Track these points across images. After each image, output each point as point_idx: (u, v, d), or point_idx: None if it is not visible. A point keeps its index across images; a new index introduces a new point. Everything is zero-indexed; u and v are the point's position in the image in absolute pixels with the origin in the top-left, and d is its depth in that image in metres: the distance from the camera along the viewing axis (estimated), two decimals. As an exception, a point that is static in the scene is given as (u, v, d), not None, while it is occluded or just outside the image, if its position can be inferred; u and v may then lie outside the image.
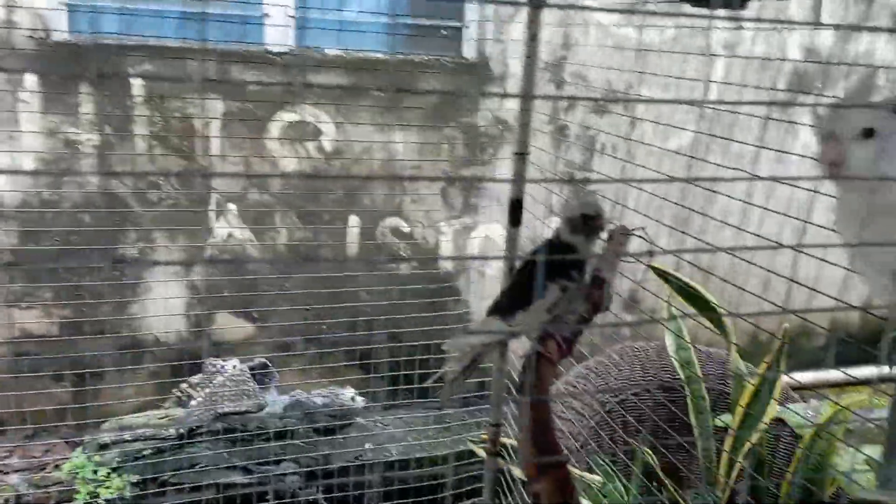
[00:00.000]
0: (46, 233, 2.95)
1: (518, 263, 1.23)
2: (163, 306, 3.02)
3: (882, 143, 0.83)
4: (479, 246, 3.41)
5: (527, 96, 1.07)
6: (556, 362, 1.19)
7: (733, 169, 1.46)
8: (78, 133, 2.88)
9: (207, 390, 3.12)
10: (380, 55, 3.04)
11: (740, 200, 1.47)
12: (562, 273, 1.18)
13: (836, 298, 1.28)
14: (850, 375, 1.26)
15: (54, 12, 2.80)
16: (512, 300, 1.20)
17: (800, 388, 3.58)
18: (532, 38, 2.03)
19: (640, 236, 1.24)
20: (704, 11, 1.59)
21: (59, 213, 2.95)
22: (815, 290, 1.37)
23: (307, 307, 3.28)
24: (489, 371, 1.29)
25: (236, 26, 2.62)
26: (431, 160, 3.20)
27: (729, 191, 2.14)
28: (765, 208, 1.57)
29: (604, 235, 1.22)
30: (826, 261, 1.06)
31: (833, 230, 0.93)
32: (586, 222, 1.20)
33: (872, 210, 0.81)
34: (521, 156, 1.99)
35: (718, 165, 1.65)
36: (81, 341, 3.04)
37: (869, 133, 0.85)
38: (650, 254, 1.31)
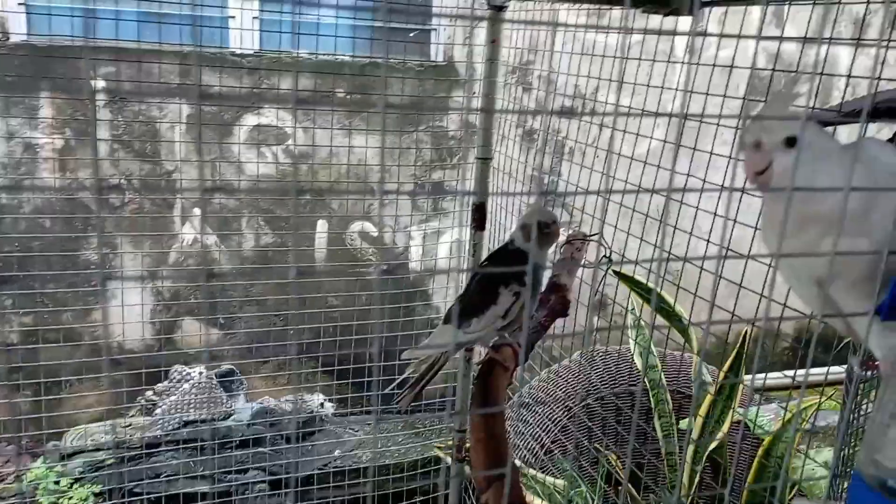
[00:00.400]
0: (6, 239, 2.89)
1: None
2: (127, 313, 2.96)
3: (803, 151, 0.81)
4: (448, 250, 3.40)
5: (489, 110, 1.06)
6: (512, 370, 1.17)
7: (689, 176, 1.47)
8: (37, 137, 2.82)
9: (173, 398, 3.08)
10: (346, 58, 3.02)
11: (709, 211, 1.47)
12: (515, 279, 1.17)
13: (787, 306, 1.28)
14: (790, 377, 1.26)
15: (12, 14, 2.74)
16: (466, 307, 1.20)
17: (764, 389, 3.61)
18: (492, 41, 2.03)
19: (597, 241, 1.24)
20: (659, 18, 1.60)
21: (17, 218, 2.89)
22: (761, 295, 1.38)
23: (275, 313, 3.25)
24: (455, 377, 1.29)
25: (201, 28, 2.58)
26: (397, 165, 3.18)
27: (696, 196, 2.13)
28: (720, 215, 1.57)
29: (561, 241, 1.22)
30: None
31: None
32: (541, 230, 1.19)
33: (796, 220, 0.80)
34: (485, 161, 1.99)
35: (686, 174, 1.65)
36: (43, 349, 2.97)
37: (791, 142, 0.83)
38: (609, 259, 1.31)
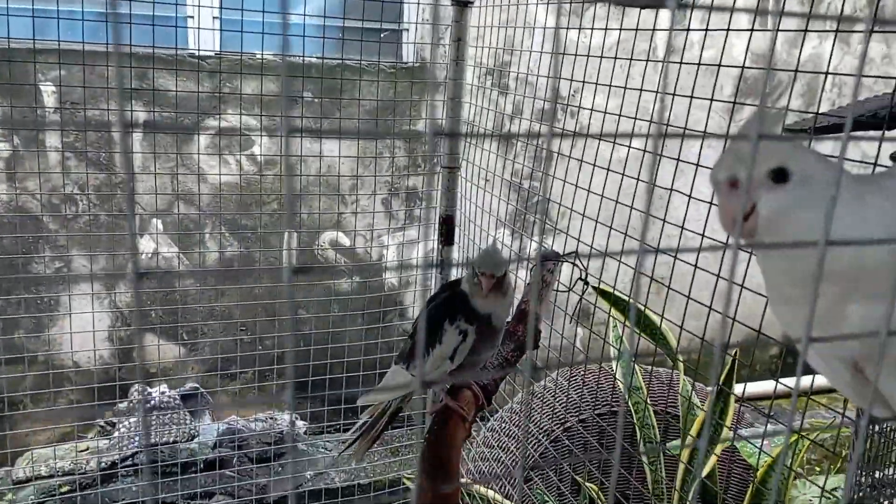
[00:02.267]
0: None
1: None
2: (83, 328, 2.79)
3: (799, 186, 0.60)
4: (423, 258, 3.26)
5: (448, 133, 0.93)
6: (471, 416, 1.03)
7: (669, 189, 1.35)
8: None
9: (133, 419, 2.91)
10: (313, 59, 2.87)
11: (682, 227, 1.35)
12: (463, 315, 1.04)
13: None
14: (787, 386, 1.13)
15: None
16: (413, 347, 1.06)
17: (752, 399, 3.50)
18: (457, 40, 1.89)
19: (572, 262, 1.10)
20: (646, 13, 1.47)
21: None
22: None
23: (242, 327, 3.09)
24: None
25: (158, 29, 2.42)
26: (371, 166, 3.04)
27: (680, 200, 2.02)
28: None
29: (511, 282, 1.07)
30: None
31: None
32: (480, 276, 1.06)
33: (802, 280, 0.58)
34: (451, 170, 1.85)
35: (670, 187, 1.53)
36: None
37: (781, 175, 0.62)
38: (585, 282, 1.17)
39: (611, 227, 1.50)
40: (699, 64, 1.49)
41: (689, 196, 1.39)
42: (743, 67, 1.28)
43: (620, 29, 1.84)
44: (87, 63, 2.39)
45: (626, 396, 1.76)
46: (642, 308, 1.55)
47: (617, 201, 1.54)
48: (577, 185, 1.57)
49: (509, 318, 1.12)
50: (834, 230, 0.55)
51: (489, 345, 1.04)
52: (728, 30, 1.33)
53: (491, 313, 1.02)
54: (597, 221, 1.54)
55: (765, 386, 3.55)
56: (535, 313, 1.11)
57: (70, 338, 2.71)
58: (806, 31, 1.25)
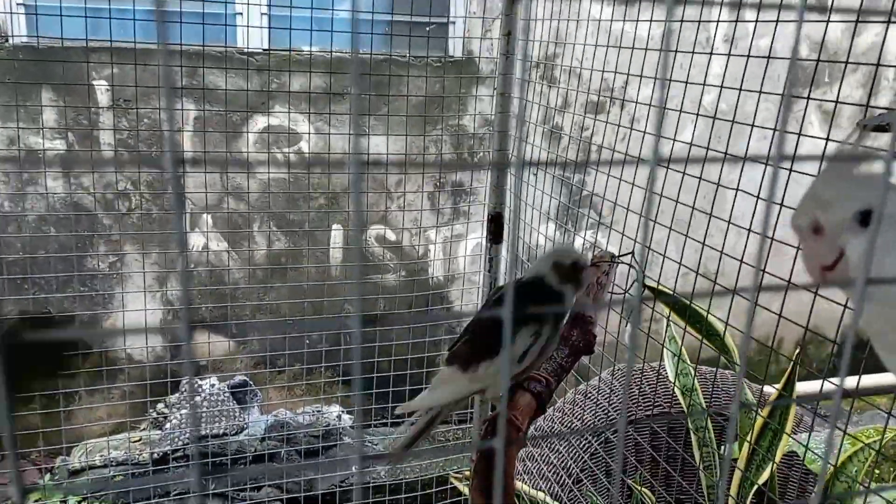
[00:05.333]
0: (10, 246, 2.79)
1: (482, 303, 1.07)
2: (136, 322, 2.84)
3: (890, 228, 0.56)
4: (470, 253, 3.24)
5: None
6: (525, 426, 0.99)
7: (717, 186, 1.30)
8: (40, 141, 2.72)
9: (184, 411, 2.96)
10: (360, 54, 2.87)
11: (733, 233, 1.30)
12: (534, 317, 0.97)
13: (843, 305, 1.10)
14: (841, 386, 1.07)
15: (10, 14, 2.63)
16: (474, 348, 1.01)
17: (811, 398, 3.39)
18: (507, 33, 1.86)
19: (628, 264, 1.06)
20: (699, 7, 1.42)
21: (22, 224, 2.79)
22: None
23: (290, 321, 3.11)
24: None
25: (207, 26, 2.45)
26: (417, 156, 3.02)
27: (736, 194, 1.95)
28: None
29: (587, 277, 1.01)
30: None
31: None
32: (575, 271, 1.00)
33: None
34: (500, 167, 1.82)
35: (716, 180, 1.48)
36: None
37: (867, 218, 0.58)
38: (642, 285, 1.13)
39: (670, 228, 1.45)
40: (748, 56, 1.43)
41: (737, 189, 1.34)
42: (794, 59, 1.22)
43: (667, 20, 1.78)
44: (138, 62, 2.42)
45: (681, 398, 1.71)
46: (705, 314, 1.51)
47: (662, 195, 1.49)
48: (633, 183, 1.53)
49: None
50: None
51: (555, 345, 1.01)
52: (777, 20, 1.27)
53: (566, 310, 0.97)
54: (646, 217, 1.49)
55: (821, 385, 3.43)
56: (591, 316, 1.07)
57: (123, 331, 2.76)
58: (857, 21, 1.19)
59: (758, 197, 1.16)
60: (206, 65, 2.69)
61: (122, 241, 2.89)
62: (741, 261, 1.26)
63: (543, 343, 0.95)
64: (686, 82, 1.58)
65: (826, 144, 1.17)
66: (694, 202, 1.39)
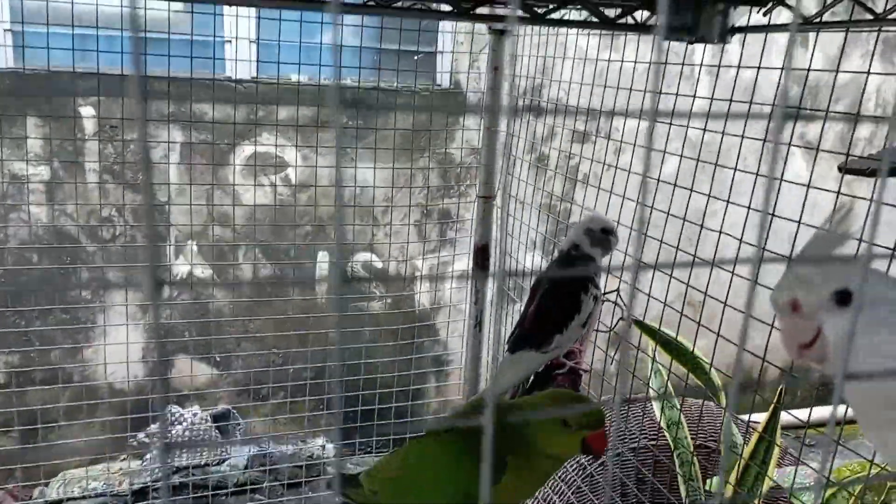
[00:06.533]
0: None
1: (531, 286, 1.24)
2: (118, 351, 2.80)
3: (866, 309, 0.58)
4: (456, 281, 3.23)
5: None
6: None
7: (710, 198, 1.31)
8: (24, 167, 2.70)
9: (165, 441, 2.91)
10: (348, 82, 2.88)
11: (734, 237, 1.31)
12: (591, 283, 1.17)
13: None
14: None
15: (-2, 41, 2.63)
16: (544, 327, 1.17)
17: (794, 427, 3.39)
18: (494, 68, 1.87)
19: (613, 301, 1.09)
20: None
21: (2, 251, 2.76)
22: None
23: (274, 350, 3.08)
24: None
25: (197, 52, 2.45)
26: (403, 187, 3.02)
27: (719, 222, 1.96)
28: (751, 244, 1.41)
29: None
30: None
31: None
32: (605, 234, 1.25)
33: (887, 407, 0.56)
34: (487, 199, 1.82)
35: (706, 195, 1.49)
36: (30, 390, 2.83)
37: (844, 297, 0.60)
38: (629, 320, 1.16)
39: (654, 267, 1.45)
40: (727, 102, 1.45)
41: (720, 232, 1.35)
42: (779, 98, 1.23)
43: (664, 63, 1.80)
44: (125, 89, 2.42)
45: (666, 432, 1.71)
46: (691, 350, 1.51)
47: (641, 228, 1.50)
48: (618, 221, 1.54)
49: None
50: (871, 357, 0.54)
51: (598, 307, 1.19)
52: (759, 67, 1.29)
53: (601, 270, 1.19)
54: (625, 253, 1.50)
55: (808, 413, 3.43)
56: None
57: (105, 358, 2.73)
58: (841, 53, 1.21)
59: (741, 240, 1.17)
60: (193, 93, 2.69)
61: (102, 261, 2.87)
62: (724, 303, 1.26)
63: (592, 303, 1.14)
64: (671, 115, 1.60)
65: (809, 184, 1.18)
66: (679, 238, 1.40)
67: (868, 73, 1.15)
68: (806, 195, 1.26)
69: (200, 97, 2.77)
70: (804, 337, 0.62)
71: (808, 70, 1.21)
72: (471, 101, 3.09)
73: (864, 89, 2.36)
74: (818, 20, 1.01)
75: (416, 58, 3.03)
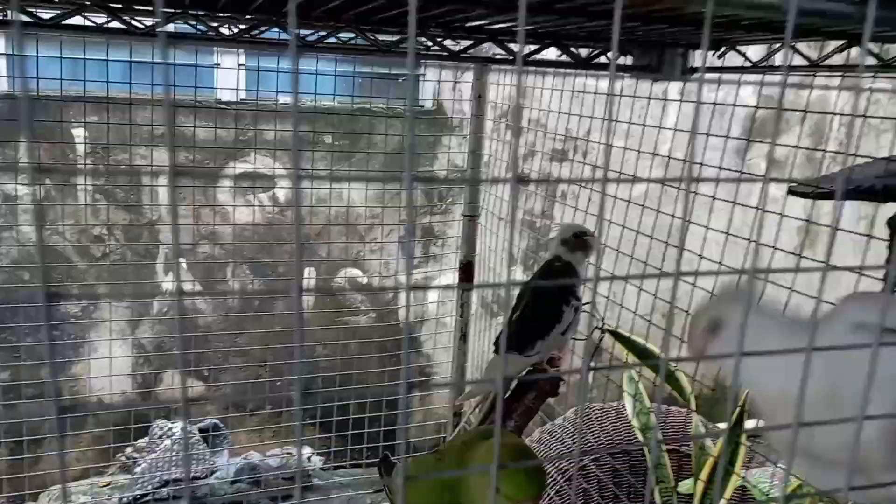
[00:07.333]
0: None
1: (515, 294, 1.32)
2: (107, 366, 2.85)
3: (727, 336, 0.72)
4: (439, 296, 3.32)
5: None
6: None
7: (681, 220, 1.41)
8: (16, 187, 2.76)
9: (154, 455, 2.96)
10: (334, 103, 2.98)
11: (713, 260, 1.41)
12: (571, 294, 1.24)
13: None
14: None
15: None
16: (528, 330, 1.22)
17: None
18: (478, 97, 1.98)
19: (587, 312, 1.18)
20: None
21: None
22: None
23: (262, 363, 3.15)
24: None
25: (186, 76, 2.54)
26: (388, 207, 3.11)
27: (690, 240, 2.07)
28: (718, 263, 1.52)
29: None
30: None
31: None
32: (578, 238, 1.31)
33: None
34: (471, 217, 1.92)
35: (674, 217, 1.60)
36: (20, 405, 2.87)
37: (716, 326, 0.74)
38: (602, 330, 1.26)
39: (626, 278, 1.55)
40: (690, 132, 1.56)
41: (699, 256, 1.45)
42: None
43: (633, 96, 1.92)
44: (111, 113, 2.51)
45: (641, 436, 1.81)
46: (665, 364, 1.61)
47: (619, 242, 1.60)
48: (598, 236, 1.64)
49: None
50: (752, 369, 0.68)
51: (578, 314, 1.26)
52: (736, 97, 1.41)
53: (583, 274, 1.26)
54: (597, 269, 1.60)
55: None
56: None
57: (100, 370, 2.78)
58: (813, 76, 1.32)
59: (719, 269, 1.27)
60: (182, 115, 2.77)
61: (91, 279, 2.92)
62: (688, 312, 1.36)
63: (573, 313, 1.20)
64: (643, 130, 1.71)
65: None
66: (648, 253, 1.50)
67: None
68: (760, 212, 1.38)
69: (189, 118, 2.85)
70: (696, 353, 0.79)
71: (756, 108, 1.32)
72: (454, 121, 3.20)
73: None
74: (764, 64, 1.13)
75: (400, 80, 3.13)
